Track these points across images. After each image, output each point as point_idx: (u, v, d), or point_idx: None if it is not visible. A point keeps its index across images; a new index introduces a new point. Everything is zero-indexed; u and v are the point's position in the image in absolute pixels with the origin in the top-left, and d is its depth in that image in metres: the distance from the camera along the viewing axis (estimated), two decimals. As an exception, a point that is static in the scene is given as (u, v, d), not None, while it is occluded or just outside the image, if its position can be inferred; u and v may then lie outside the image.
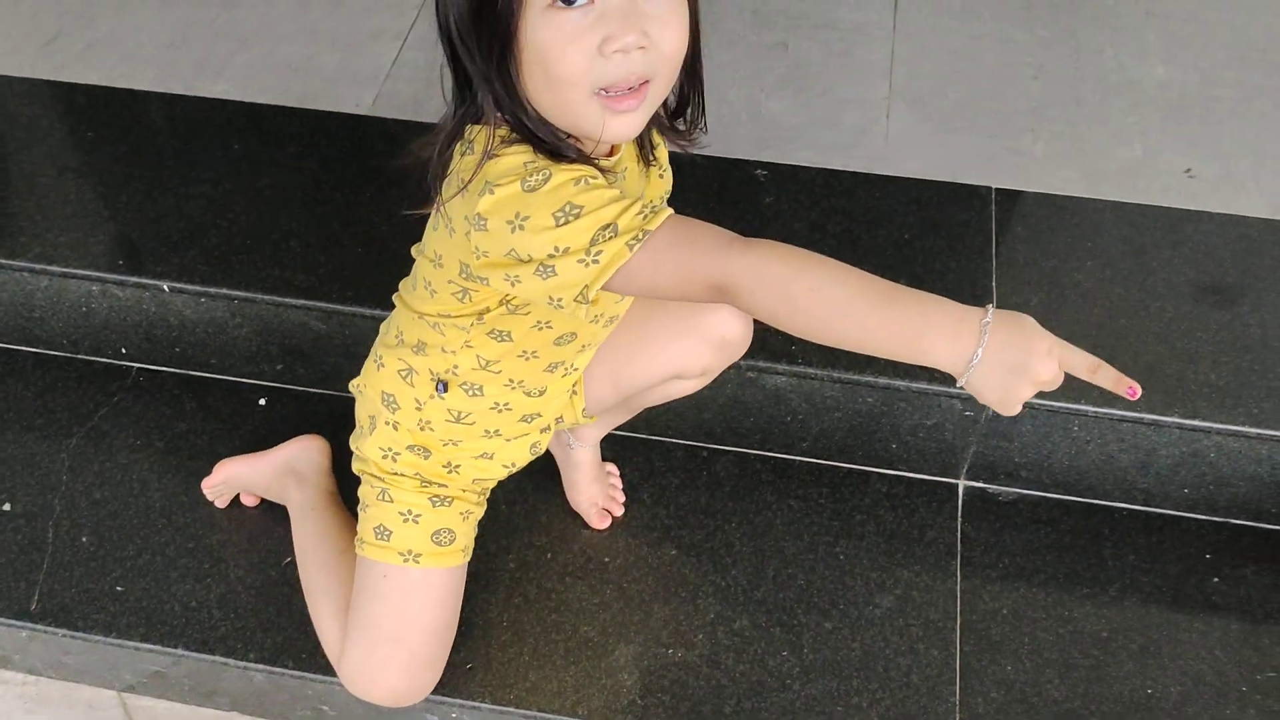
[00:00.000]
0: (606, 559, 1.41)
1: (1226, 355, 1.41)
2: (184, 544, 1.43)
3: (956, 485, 1.50)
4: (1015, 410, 0.90)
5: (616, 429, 1.43)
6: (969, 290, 1.47)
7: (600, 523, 1.43)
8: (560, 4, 0.85)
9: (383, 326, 1.23)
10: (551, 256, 0.88)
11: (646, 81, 0.90)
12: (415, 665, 1.22)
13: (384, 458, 1.21)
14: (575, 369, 1.19)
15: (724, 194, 1.59)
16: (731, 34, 1.87)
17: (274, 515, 1.45)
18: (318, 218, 1.55)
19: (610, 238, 0.87)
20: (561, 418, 1.26)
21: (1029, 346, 0.87)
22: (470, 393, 1.15)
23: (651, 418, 1.50)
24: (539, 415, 1.21)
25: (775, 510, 1.47)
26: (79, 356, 1.63)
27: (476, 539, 1.30)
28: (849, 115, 1.73)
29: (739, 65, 1.82)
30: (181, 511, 1.46)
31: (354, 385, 1.25)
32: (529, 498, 1.46)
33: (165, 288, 1.49)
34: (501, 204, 0.90)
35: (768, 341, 1.41)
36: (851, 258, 1.49)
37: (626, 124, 0.91)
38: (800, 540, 1.43)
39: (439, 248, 1.05)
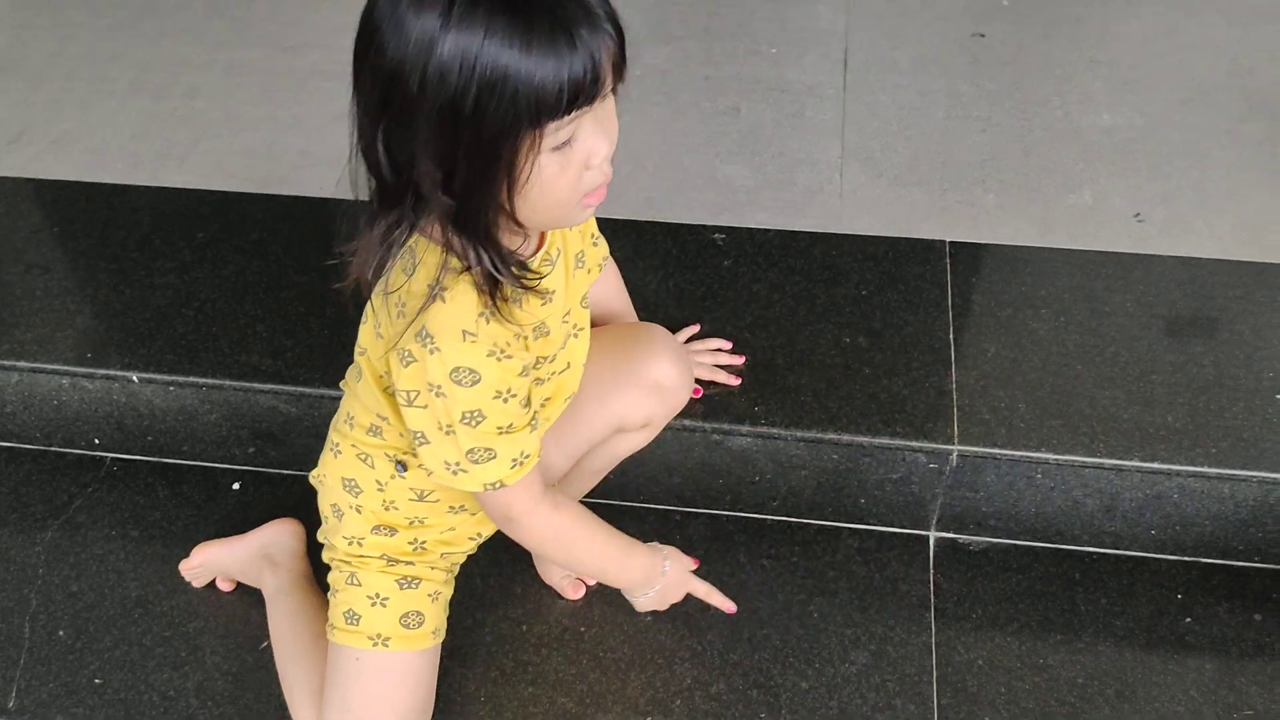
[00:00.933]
0: (582, 629, 1.42)
1: (1183, 396, 1.44)
2: (161, 632, 1.43)
3: (927, 537, 1.51)
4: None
5: (585, 498, 1.44)
6: (927, 343, 1.49)
7: (574, 593, 1.44)
8: (568, 146, 0.89)
9: (336, 415, 1.24)
10: (440, 428, 1.02)
11: None
12: None
13: (350, 545, 1.23)
14: None
15: (683, 259, 1.61)
16: (685, 102, 1.91)
17: (250, 598, 1.45)
18: (283, 302, 1.57)
19: (480, 461, 1.04)
20: None
21: (677, 592, 1.28)
22: (420, 441, 1.14)
23: (622, 484, 1.51)
24: None
25: (748, 571, 1.48)
26: (51, 449, 1.64)
27: (452, 614, 1.31)
28: (803, 175, 1.76)
29: (693, 131, 1.85)
30: (158, 600, 1.46)
31: (314, 477, 1.27)
32: (503, 570, 1.46)
33: (134, 379, 1.50)
34: (432, 370, 0.99)
35: (731, 404, 1.43)
36: (810, 316, 1.53)
37: (591, 213, 0.99)
38: (774, 600, 1.44)
39: (366, 342, 1.09)
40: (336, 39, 2.05)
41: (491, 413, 1.01)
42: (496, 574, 1.46)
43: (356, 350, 1.15)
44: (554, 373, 1.15)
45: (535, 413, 1.08)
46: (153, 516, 1.56)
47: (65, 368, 1.51)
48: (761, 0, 2.10)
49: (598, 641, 1.40)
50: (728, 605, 1.31)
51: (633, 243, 1.63)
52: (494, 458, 1.04)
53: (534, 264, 1.02)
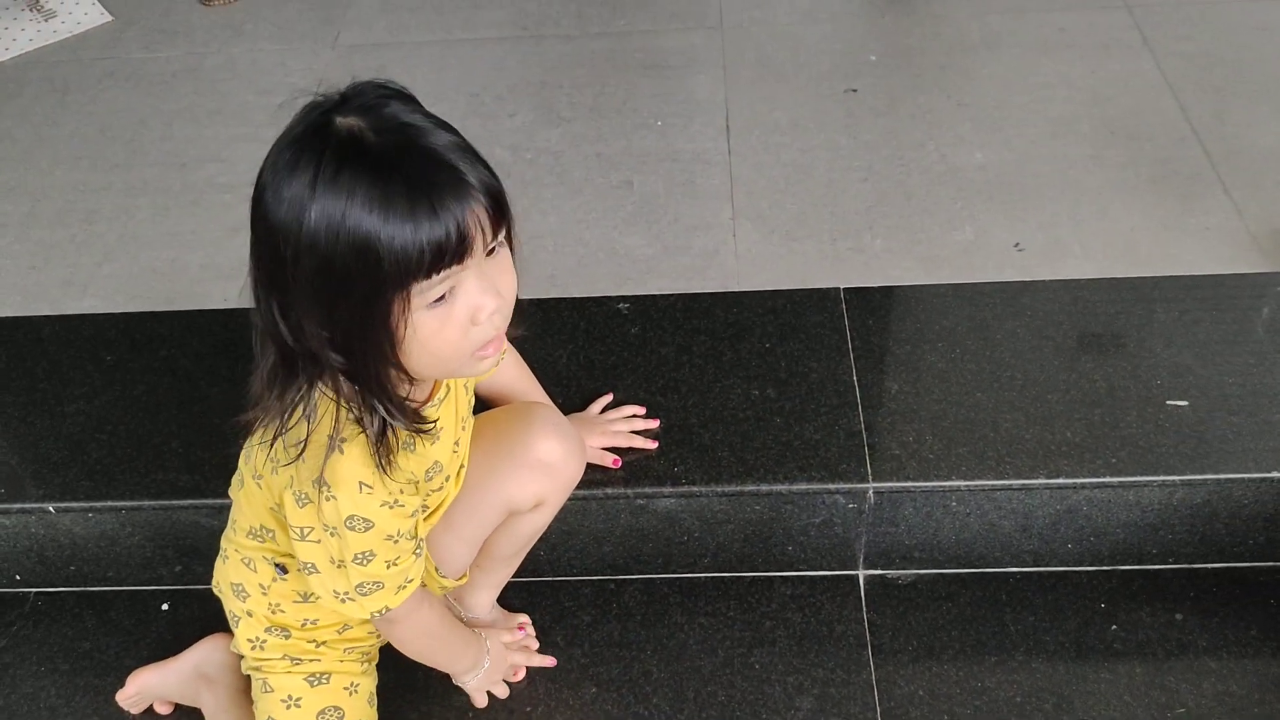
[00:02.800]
0: (528, 708, 1.42)
1: (1079, 412, 1.50)
2: (98, 767, 1.40)
3: (856, 575, 1.55)
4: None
5: (516, 577, 1.45)
6: (833, 387, 1.54)
7: (515, 675, 1.44)
8: (437, 303, 0.92)
9: (230, 520, 1.26)
10: (333, 562, 1.07)
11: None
12: None
13: (253, 648, 1.24)
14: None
15: (591, 330, 1.65)
16: (578, 180, 1.96)
17: (189, 718, 1.43)
18: (196, 415, 1.57)
19: (369, 593, 1.10)
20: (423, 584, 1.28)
21: (502, 667, 1.40)
22: (310, 571, 1.14)
23: (554, 558, 1.53)
24: None
25: (687, 631, 1.49)
26: (-30, 591, 1.61)
27: (395, 706, 1.31)
28: (699, 240, 1.82)
29: (590, 207, 1.90)
30: (92, 734, 1.43)
31: (213, 587, 1.29)
32: (443, 659, 1.46)
33: (51, 509, 1.48)
34: (327, 515, 1.03)
35: (651, 467, 1.46)
36: (719, 373, 1.57)
37: (490, 363, 1.02)
38: (715, 656, 1.46)
39: (257, 462, 1.12)
40: (230, 151, 2.08)
41: (381, 551, 1.07)
42: (437, 663, 1.46)
43: (241, 458, 1.18)
44: (436, 492, 1.18)
45: (421, 542, 1.13)
46: (82, 647, 1.53)
47: (-22, 506, 1.49)
48: (644, 77, 2.18)
49: (545, 719, 1.41)
50: (547, 661, 1.44)
51: (540, 320, 1.67)
52: (381, 588, 1.10)
53: (427, 410, 1.06)
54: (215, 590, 1.29)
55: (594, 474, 1.42)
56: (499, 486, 1.24)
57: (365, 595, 1.09)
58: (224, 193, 1.99)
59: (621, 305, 1.69)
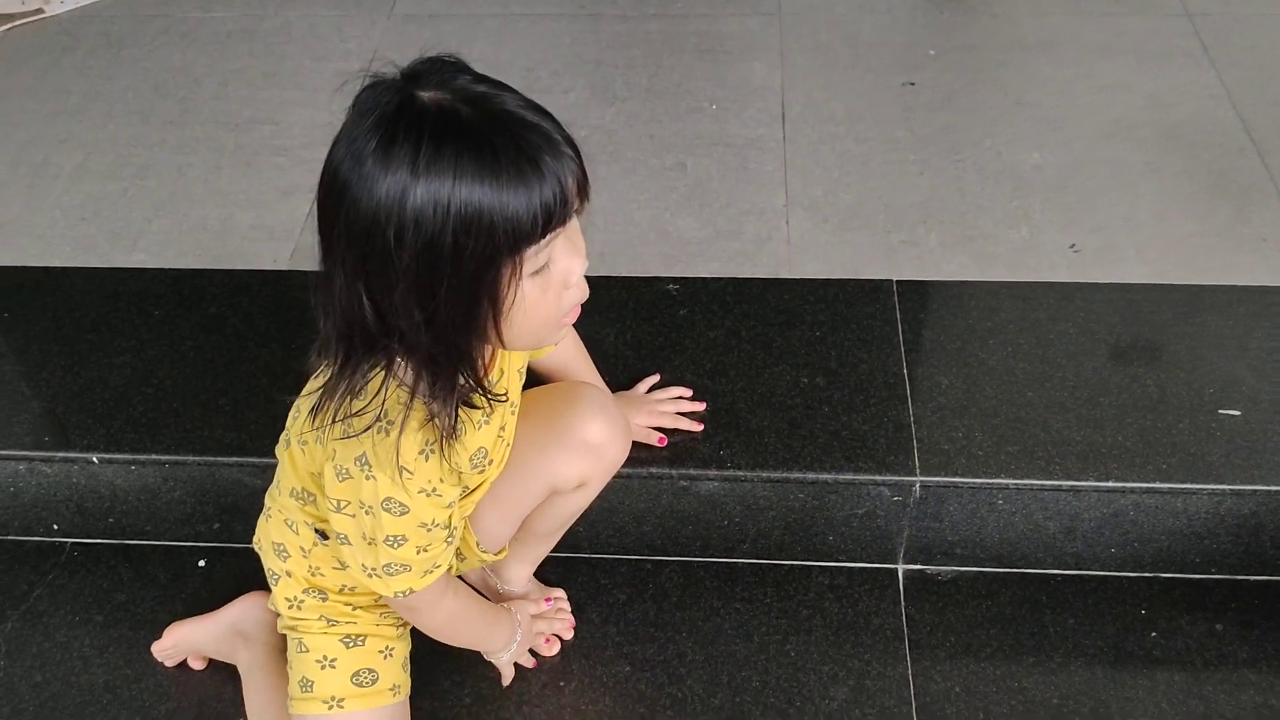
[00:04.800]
0: (561, 683, 1.42)
1: (1130, 416, 1.48)
2: (131, 718, 1.40)
3: (896, 570, 1.54)
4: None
5: (553, 553, 1.45)
6: (883, 379, 1.53)
7: (549, 650, 1.44)
8: (545, 270, 0.93)
9: (274, 484, 1.26)
10: (365, 538, 1.08)
11: None
12: None
13: (290, 607, 1.24)
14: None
15: (639, 311, 1.64)
16: (631, 160, 1.95)
17: (221, 675, 1.43)
18: (243, 374, 1.57)
19: (395, 573, 1.10)
20: (463, 555, 1.29)
21: (531, 637, 1.42)
22: (342, 541, 1.15)
23: (592, 536, 1.52)
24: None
25: (723, 615, 1.49)
26: (9, 538, 1.61)
27: (429, 676, 1.31)
28: (751, 225, 1.81)
29: (642, 188, 1.89)
30: (126, 685, 1.44)
31: (254, 543, 1.29)
32: (479, 630, 1.46)
33: (94, 459, 1.49)
34: (365, 494, 1.04)
35: (696, 450, 1.46)
36: (768, 359, 1.56)
37: (567, 331, 1.05)
38: (750, 642, 1.45)
39: (292, 431, 1.14)
40: (283, 114, 2.08)
41: (413, 537, 1.07)
42: (472, 634, 1.45)
43: (290, 418, 1.19)
44: (478, 474, 1.17)
45: (454, 530, 1.13)
46: (117, 599, 1.54)
47: (22, 453, 1.50)
48: (699, 60, 2.17)
49: (579, 695, 1.40)
50: (565, 631, 1.45)
51: (590, 298, 1.66)
52: (408, 571, 1.11)
53: (490, 382, 1.06)
54: (256, 547, 1.29)
55: (639, 452, 1.42)
56: (544, 465, 1.24)
57: (392, 575, 1.10)
58: (277, 155, 1.99)
59: (671, 286, 1.68)
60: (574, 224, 0.96)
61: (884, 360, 1.56)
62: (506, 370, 1.13)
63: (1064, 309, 1.64)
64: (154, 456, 1.48)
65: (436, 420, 0.99)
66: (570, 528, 1.42)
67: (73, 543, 1.61)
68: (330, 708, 1.22)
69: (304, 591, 1.24)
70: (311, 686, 1.23)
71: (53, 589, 1.55)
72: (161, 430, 1.51)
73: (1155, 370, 1.55)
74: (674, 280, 1.69)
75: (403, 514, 1.05)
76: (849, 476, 1.43)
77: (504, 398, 1.07)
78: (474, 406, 1.01)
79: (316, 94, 2.12)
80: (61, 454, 1.49)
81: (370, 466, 1.02)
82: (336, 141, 0.90)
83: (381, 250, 0.87)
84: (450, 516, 1.11)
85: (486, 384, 1.01)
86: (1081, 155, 1.93)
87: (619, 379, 1.51)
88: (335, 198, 0.89)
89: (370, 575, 1.10)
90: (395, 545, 1.07)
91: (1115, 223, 1.80)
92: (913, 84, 2.09)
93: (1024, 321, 1.62)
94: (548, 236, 0.90)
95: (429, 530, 1.07)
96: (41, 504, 1.56)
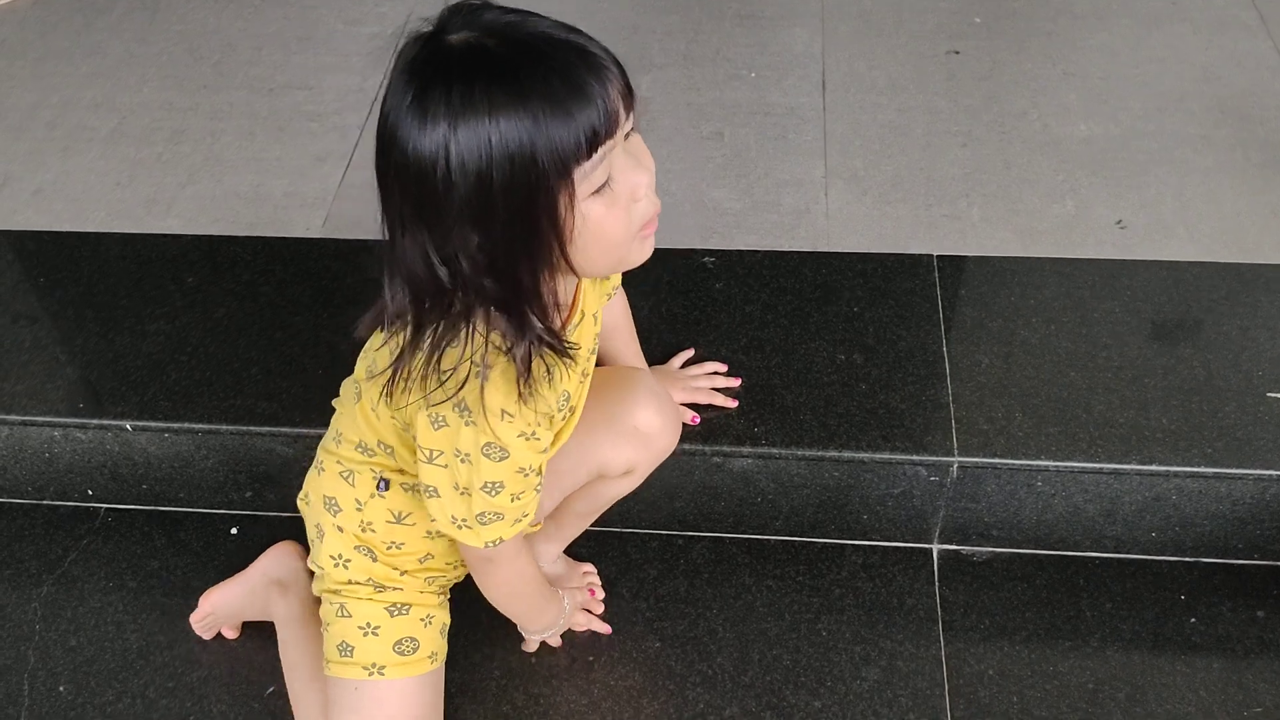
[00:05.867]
0: (590, 658, 1.41)
1: (1175, 398, 1.45)
2: (164, 684, 1.41)
3: (930, 550, 1.52)
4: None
5: (590, 527, 1.44)
6: (921, 356, 1.50)
7: (582, 624, 1.43)
8: (600, 191, 0.91)
9: (326, 434, 1.26)
10: (457, 489, 1.07)
11: None
12: None
13: (336, 565, 1.23)
14: None
15: (675, 284, 1.62)
16: (668, 129, 1.92)
17: (255, 643, 1.44)
18: (276, 343, 1.56)
19: (488, 522, 1.09)
20: None
21: (572, 621, 1.41)
22: (409, 490, 1.18)
23: (624, 511, 1.51)
24: None
25: (755, 592, 1.47)
26: (44, 502, 1.62)
27: (459, 649, 1.30)
28: (789, 197, 1.78)
29: (678, 158, 1.86)
30: (159, 651, 1.45)
31: (300, 500, 1.28)
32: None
33: (128, 427, 1.49)
34: (464, 441, 1.02)
35: (730, 426, 1.44)
36: (804, 335, 1.54)
37: (651, 244, 1.02)
38: (782, 620, 1.44)
39: (364, 385, 1.12)
40: (317, 79, 2.06)
41: (510, 484, 1.07)
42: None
43: (364, 369, 1.16)
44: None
45: (542, 479, 1.12)
46: (150, 566, 1.54)
47: (57, 419, 1.50)
48: (739, 26, 2.13)
49: (608, 670, 1.40)
50: (604, 627, 1.43)
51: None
52: (500, 519, 1.10)
53: (569, 332, 1.06)
54: (301, 501, 1.28)
55: (673, 428, 1.40)
56: (594, 449, 1.24)
57: (484, 525, 1.09)
58: (310, 121, 1.97)
59: (707, 259, 1.66)
60: (635, 137, 0.94)
61: (923, 337, 1.53)
62: (585, 313, 1.11)
63: (1109, 287, 1.60)
64: (187, 425, 1.48)
65: (522, 364, 0.97)
66: (602, 503, 1.41)
67: (107, 508, 1.62)
68: (370, 674, 1.22)
69: (354, 549, 1.23)
70: (351, 652, 1.22)
71: (87, 554, 1.56)
72: (195, 398, 1.50)
73: (1202, 351, 1.51)
74: (710, 253, 1.67)
75: (503, 459, 1.04)
76: (885, 456, 1.40)
77: (575, 349, 1.04)
78: (556, 350, 0.99)
79: (350, 59, 2.09)
80: (96, 421, 1.49)
81: (470, 413, 1.01)
82: (383, 102, 0.90)
83: (433, 197, 0.87)
84: (542, 464, 1.10)
85: (554, 326, 0.98)
86: (1130, 128, 1.88)
87: (654, 353, 1.49)
88: (384, 155, 0.89)
89: (460, 527, 1.09)
90: (493, 493, 1.06)
91: (1164, 198, 1.76)
92: (957, 52, 2.04)
93: (1067, 299, 1.58)
94: (596, 154, 0.88)
95: (525, 476, 1.07)
96: (76, 470, 1.57)
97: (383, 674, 1.22)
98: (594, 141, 0.87)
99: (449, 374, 0.97)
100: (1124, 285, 1.60)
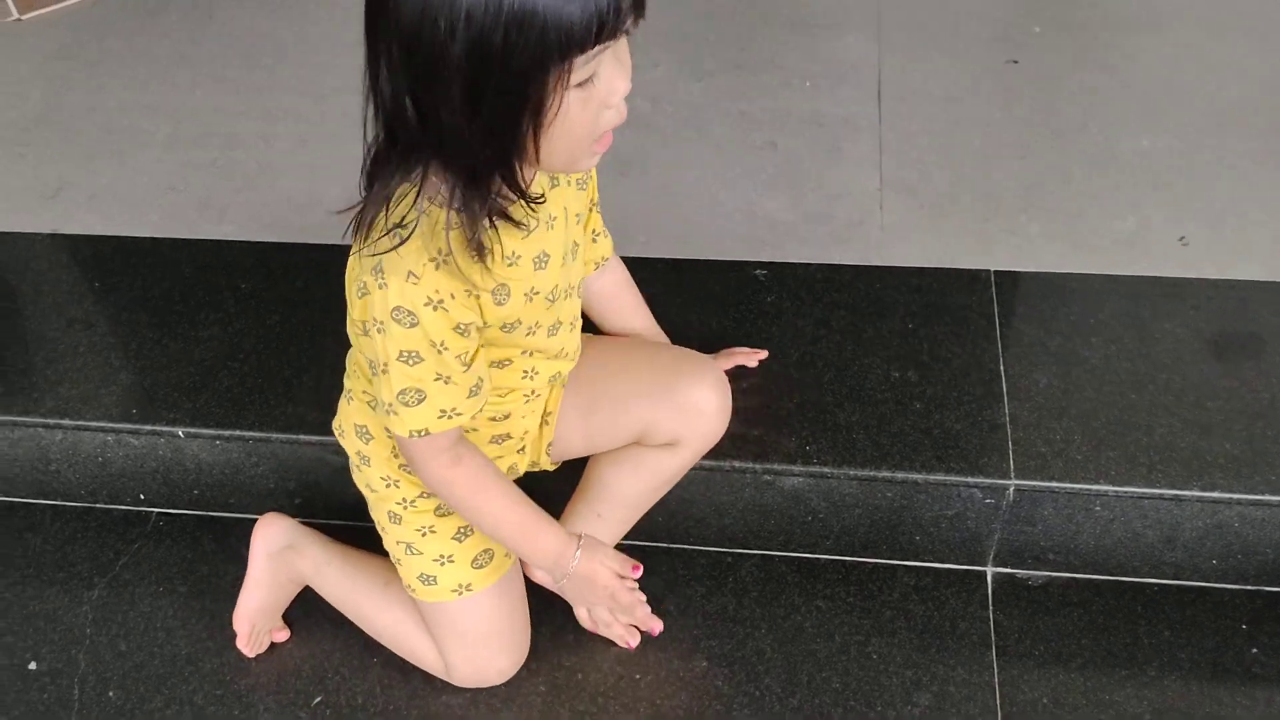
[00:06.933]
0: (637, 675, 1.40)
1: (1239, 423, 1.41)
2: (212, 691, 1.41)
3: (985, 572, 1.49)
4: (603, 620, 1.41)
5: (628, 539, 1.43)
6: (978, 375, 1.47)
7: (630, 640, 1.41)
8: (584, 84, 0.89)
9: (348, 358, 1.27)
10: (374, 366, 1.05)
11: None
12: (511, 646, 1.35)
13: (388, 486, 1.26)
14: (536, 395, 1.25)
15: (725, 296, 1.60)
16: (720, 137, 1.90)
17: (301, 653, 1.44)
18: (327, 351, 1.56)
19: (411, 403, 1.05)
20: (525, 451, 1.31)
21: (594, 593, 1.31)
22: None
23: (670, 526, 1.50)
24: (508, 437, 1.27)
25: (804, 613, 1.45)
26: (97, 505, 1.64)
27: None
28: (842, 208, 1.76)
29: (730, 167, 1.85)
30: (208, 657, 1.45)
31: (335, 427, 1.31)
32: (555, 619, 1.44)
33: (180, 434, 1.50)
34: (380, 302, 0.99)
35: (781, 444, 1.42)
36: (858, 350, 1.51)
37: (596, 159, 0.99)
38: (832, 641, 1.42)
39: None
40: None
41: (429, 358, 1.03)
42: (548, 621, 1.44)
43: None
44: (534, 352, 1.17)
45: (480, 380, 1.09)
46: (200, 571, 1.55)
47: (110, 424, 1.51)
48: (792, 34, 2.11)
49: (654, 689, 1.38)
50: (653, 625, 1.40)
51: (673, 280, 1.63)
52: (424, 400, 1.06)
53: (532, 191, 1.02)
54: (336, 430, 1.31)
55: (721, 445, 1.38)
56: (639, 408, 1.27)
57: (407, 407, 1.06)
58: (360, 127, 1.97)
59: (758, 271, 1.64)
60: (623, 42, 0.92)
61: (979, 355, 1.50)
62: (561, 180, 1.11)
63: (1171, 306, 1.56)
64: (238, 433, 1.49)
65: (456, 230, 0.96)
66: (648, 514, 1.40)
67: (158, 513, 1.63)
68: (459, 593, 1.27)
69: (399, 469, 1.24)
70: (435, 580, 1.27)
71: (138, 558, 1.57)
72: (246, 406, 1.51)
73: (1266, 373, 1.47)
74: (762, 265, 1.65)
75: (412, 326, 1.00)
76: (940, 477, 1.38)
77: (542, 199, 1.02)
78: (510, 219, 0.98)
79: (402, 64, 2.09)
80: (149, 427, 1.50)
81: (384, 274, 0.98)
82: None
83: (429, 46, 0.84)
84: (470, 352, 1.06)
85: (524, 188, 0.96)
86: (1192, 142, 1.84)
87: (704, 367, 1.48)
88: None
89: (388, 412, 1.07)
90: (410, 362, 1.03)
91: (1227, 214, 1.72)
92: (1015, 62, 2.01)
93: (1128, 318, 1.55)
94: (600, 45, 0.86)
95: (440, 353, 1.03)
96: (129, 474, 1.58)
97: (470, 590, 1.27)
98: (601, 31, 0.85)
99: (396, 227, 0.96)
100: (1186, 304, 1.57)
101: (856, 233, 1.71)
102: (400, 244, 0.97)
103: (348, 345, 1.54)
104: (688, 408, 1.26)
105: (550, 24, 0.83)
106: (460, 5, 0.82)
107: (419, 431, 1.08)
